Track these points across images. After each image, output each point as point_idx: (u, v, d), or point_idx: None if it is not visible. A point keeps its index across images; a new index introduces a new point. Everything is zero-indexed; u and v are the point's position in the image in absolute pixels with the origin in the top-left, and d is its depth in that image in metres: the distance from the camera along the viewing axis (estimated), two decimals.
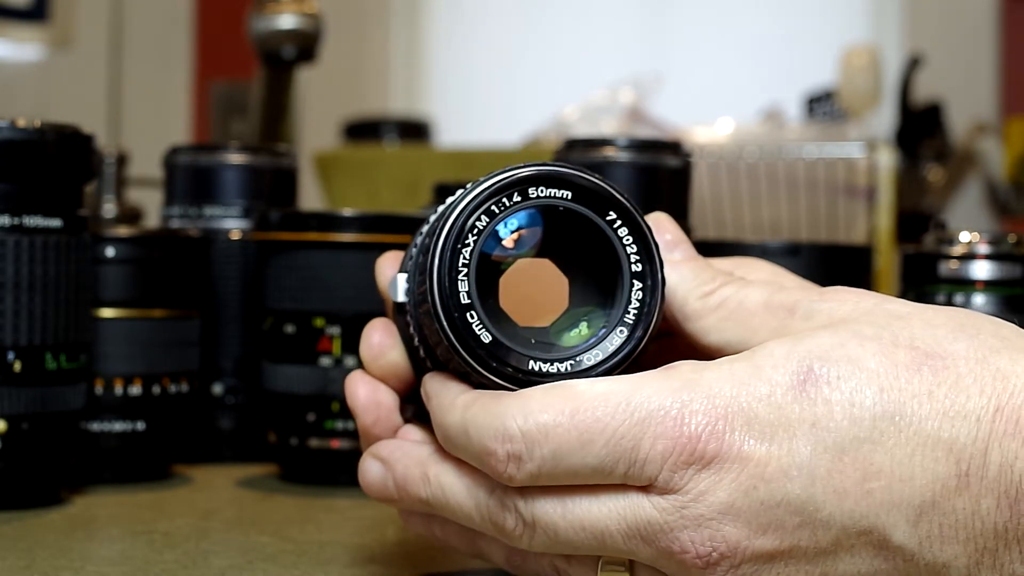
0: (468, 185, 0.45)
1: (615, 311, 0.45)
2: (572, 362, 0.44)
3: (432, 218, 0.47)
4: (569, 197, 0.44)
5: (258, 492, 0.72)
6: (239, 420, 0.82)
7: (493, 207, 0.44)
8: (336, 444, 0.72)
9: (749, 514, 0.40)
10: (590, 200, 0.44)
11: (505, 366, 0.43)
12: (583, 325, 0.45)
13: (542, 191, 0.44)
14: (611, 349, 0.44)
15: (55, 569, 0.53)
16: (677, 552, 0.41)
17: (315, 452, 0.73)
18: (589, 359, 0.44)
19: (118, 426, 0.72)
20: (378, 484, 0.48)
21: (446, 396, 0.45)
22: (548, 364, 0.44)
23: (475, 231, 0.44)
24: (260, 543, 0.59)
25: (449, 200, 0.45)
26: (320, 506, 0.68)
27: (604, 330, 0.45)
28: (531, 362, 0.43)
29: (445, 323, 0.43)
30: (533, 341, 0.44)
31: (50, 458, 0.65)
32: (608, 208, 0.45)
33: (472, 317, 0.43)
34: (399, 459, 0.47)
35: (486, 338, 0.43)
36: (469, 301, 0.43)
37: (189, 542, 0.59)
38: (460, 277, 0.43)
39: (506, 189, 0.44)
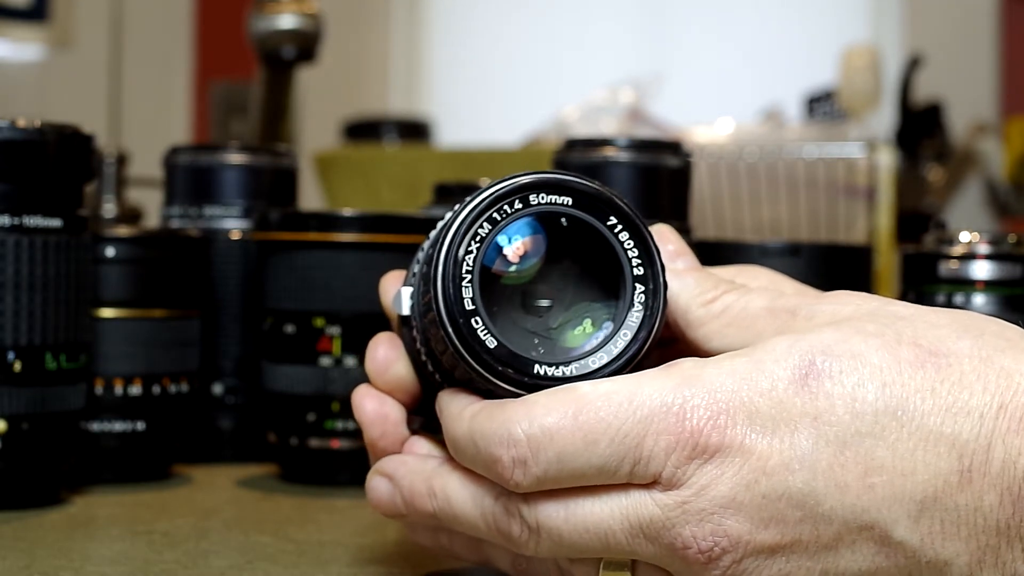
0: (470, 195, 0.45)
1: (618, 314, 0.45)
2: (577, 365, 0.44)
3: (434, 231, 0.47)
4: (570, 203, 0.45)
5: (258, 492, 0.72)
6: (239, 420, 0.82)
7: (495, 214, 0.44)
8: (336, 444, 0.72)
9: (751, 508, 0.40)
10: (591, 206, 0.45)
11: (511, 371, 0.43)
12: (586, 322, 0.45)
13: (543, 198, 0.44)
14: (615, 352, 0.44)
15: (55, 569, 0.53)
16: (680, 548, 0.41)
17: (315, 452, 0.73)
18: (594, 362, 0.44)
19: (118, 426, 0.72)
20: (386, 501, 0.48)
21: (454, 407, 0.45)
22: (554, 368, 0.44)
23: (477, 238, 0.44)
24: (260, 543, 0.59)
25: (452, 210, 0.45)
26: (320, 506, 0.68)
27: (607, 331, 0.45)
28: (537, 366, 0.43)
29: (450, 329, 0.43)
30: (536, 341, 0.45)
31: (50, 458, 0.65)
32: (609, 213, 0.45)
33: (477, 323, 0.43)
34: (404, 475, 0.47)
35: (491, 343, 0.43)
36: (474, 307, 0.43)
37: (189, 542, 0.59)
38: (464, 284, 0.43)
39: (507, 196, 0.44)
